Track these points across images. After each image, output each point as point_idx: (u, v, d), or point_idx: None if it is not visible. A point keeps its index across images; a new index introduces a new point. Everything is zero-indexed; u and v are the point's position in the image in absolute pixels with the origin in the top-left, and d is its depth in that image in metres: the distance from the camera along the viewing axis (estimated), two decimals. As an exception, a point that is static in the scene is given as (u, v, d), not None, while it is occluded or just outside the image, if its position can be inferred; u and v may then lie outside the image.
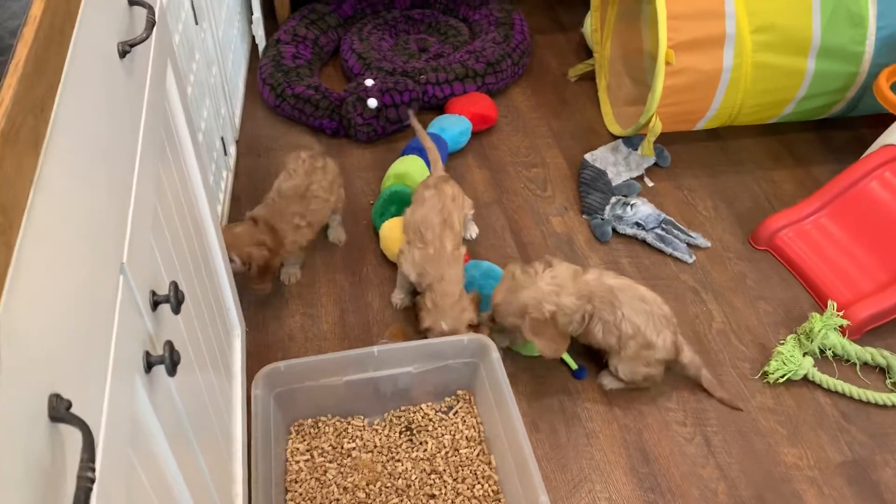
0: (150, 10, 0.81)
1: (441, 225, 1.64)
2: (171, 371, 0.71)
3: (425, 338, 1.58)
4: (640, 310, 1.49)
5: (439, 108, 2.29)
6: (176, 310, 0.77)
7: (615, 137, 2.22)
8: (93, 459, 0.45)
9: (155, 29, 0.87)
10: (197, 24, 1.72)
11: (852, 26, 1.93)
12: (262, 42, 2.39)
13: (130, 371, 0.67)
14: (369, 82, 2.15)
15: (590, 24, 2.42)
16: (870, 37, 1.94)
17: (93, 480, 0.45)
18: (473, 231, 1.91)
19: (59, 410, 0.47)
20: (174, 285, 0.77)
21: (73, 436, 0.49)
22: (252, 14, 2.34)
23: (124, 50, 0.76)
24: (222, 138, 1.96)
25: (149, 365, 0.71)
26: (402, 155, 2.07)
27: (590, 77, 2.45)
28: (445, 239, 1.63)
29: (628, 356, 1.50)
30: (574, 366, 1.62)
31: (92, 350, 0.58)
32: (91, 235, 0.62)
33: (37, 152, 0.50)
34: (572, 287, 1.50)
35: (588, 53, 2.53)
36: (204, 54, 1.79)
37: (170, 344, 0.72)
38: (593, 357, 1.63)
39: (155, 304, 0.76)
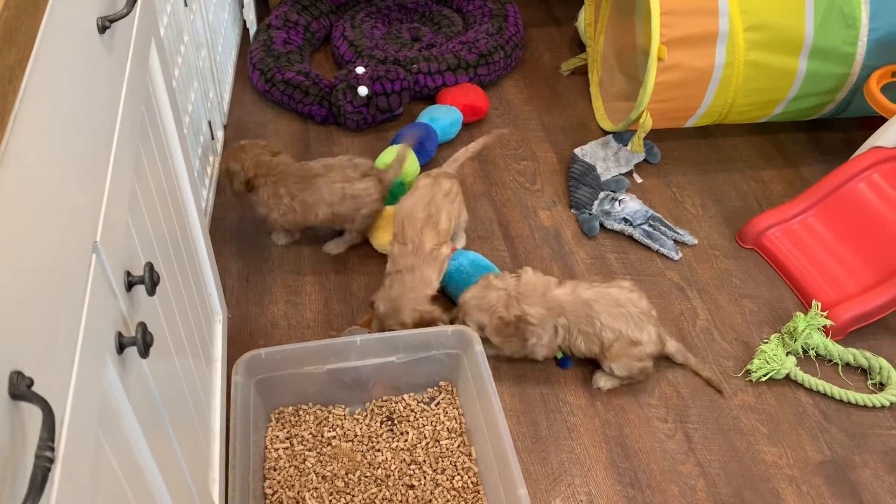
0: (132, -15, 0.80)
1: (424, 220, 1.61)
2: (144, 353, 0.70)
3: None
4: (617, 314, 1.49)
5: (431, 98, 2.28)
6: (150, 291, 0.75)
7: (606, 133, 2.21)
8: (52, 439, 0.44)
9: (138, 5, 0.85)
10: (186, 6, 1.70)
11: (845, 27, 1.93)
12: (252, 26, 2.37)
13: (101, 351, 0.66)
14: (360, 70, 2.13)
15: (584, 19, 2.41)
16: (862, 38, 1.94)
17: (51, 460, 0.44)
18: (461, 242, 1.85)
19: (20, 388, 0.46)
20: (149, 266, 0.76)
21: (35, 415, 0.48)
22: (244, -1, 2.32)
23: (104, 25, 0.75)
24: (209, 122, 1.94)
25: (121, 346, 0.70)
26: (392, 143, 2.06)
27: (582, 71, 2.44)
28: (426, 236, 1.60)
29: (617, 355, 1.50)
30: (559, 354, 1.61)
31: (59, 329, 0.57)
32: (61, 212, 0.61)
33: (3, 124, 0.49)
34: (538, 298, 1.50)
35: (581, 47, 2.52)
36: (193, 37, 1.77)
37: (143, 325, 0.71)
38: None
39: (129, 284, 0.75)
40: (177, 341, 1.02)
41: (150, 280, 0.75)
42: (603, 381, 1.57)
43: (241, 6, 2.36)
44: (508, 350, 1.56)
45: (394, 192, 1.88)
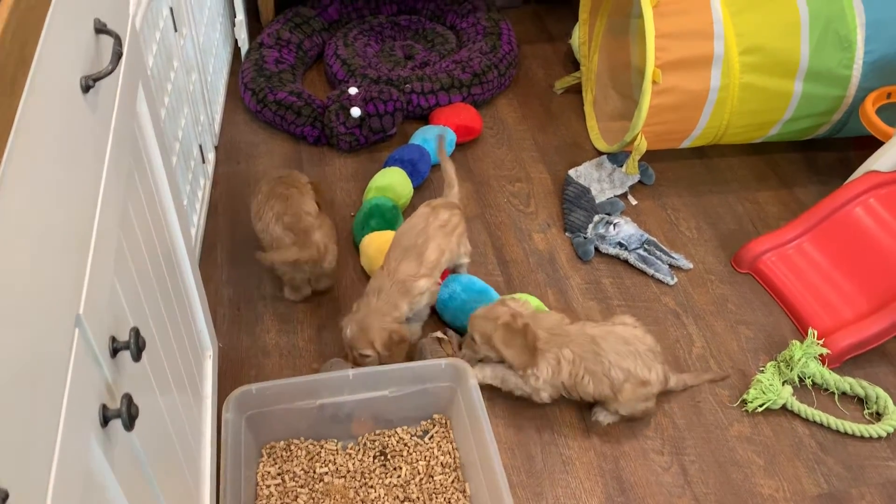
0: (117, 39, 0.78)
1: (408, 248, 1.58)
2: (129, 426, 0.68)
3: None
4: (626, 352, 1.47)
5: (424, 118, 2.26)
6: (136, 357, 0.73)
7: (600, 153, 2.20)
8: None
9: (124, 57, 0.83)
10: (176, 31, 1.68)
11: (840, 50, 1.92)
12: (244, 45, 2.35)
13: (84, 429, 0.64)
14: (353, 90, 2.11)
15: (577, 38, 2.39)
16: (857, 60, 1.93)
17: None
18: (463, 270, 1.79)
19: (-3, 502, 0.44)
20: (135, 332, 0.74)
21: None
22: (235, 17, 2.30)
23: (87, 85, 0.73)
24: (200, 146, 1.92)
25: (105, 419, 0.68)
26: (385, 166, 2.04)
27: (576, 90, 2.43)
28: (404, 264, 1.56)
29: (627, 399, 1.48)
30: None
31: (38, 418, 0.55)
32: (41, 290, 0.59)
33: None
34: (546, 325, 1.49)
35: (575, 64, 2.51)
36: (183, 62, 1.75)
37: (128, 397, 0.69)
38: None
39: (114, 350, 0.73)
40: (165, 390, 1.00)
41: (136, 346, 0.73)
42: (602, 416, 1.55)
43: (233, 25, 2.34)
44: (517, 365, 1.48)
45: (387, 217, 1.86)
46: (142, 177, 0.99)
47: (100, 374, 0.70)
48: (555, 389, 1.51)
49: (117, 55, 0.76)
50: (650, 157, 2.14)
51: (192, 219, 1.82)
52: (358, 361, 1.53)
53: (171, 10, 1.64)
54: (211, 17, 2.15)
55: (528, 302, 1.56)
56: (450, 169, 1.78)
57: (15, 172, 0.55)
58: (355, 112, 2.07)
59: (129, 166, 0.91)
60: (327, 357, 1.65)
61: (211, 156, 2.07)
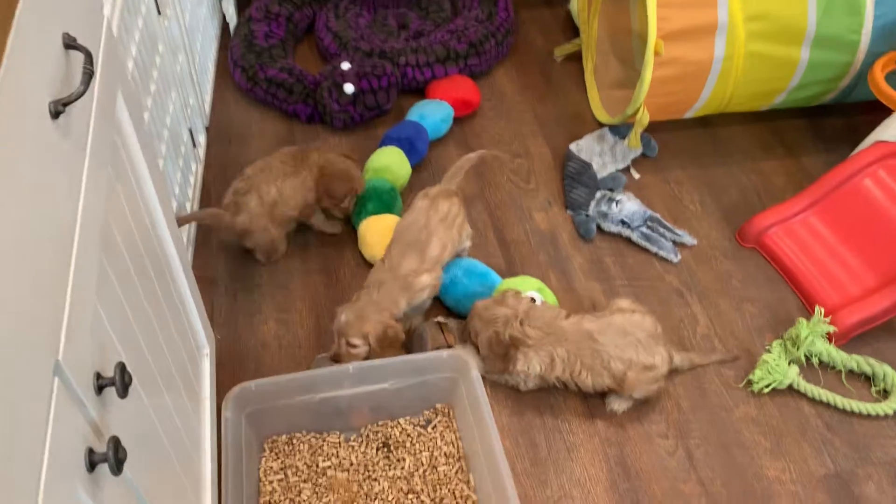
0: (88, 57, 0.73)
1: (411, 244, 1.56)
2: (117, 470, 0.66)
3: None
4: (625, 344, 1.45)
5: (420, 92, 2.20)
6: (123, 394, 0.71)
7: (601, 124, 2.14)
8: None
9: (97, 75, 0.79)
10: (160, 14, 1.62)
11: (849, 15, 1.85)
12: (232, 20, 2.28)
13: (69, 478, 0.62)
14: (345, 66, 2.05)
15: (577, 3, 2.32)
16: (867, 25, 1.87)
17: None
18: (464, 254, 1.78)
19: None
20: (120, 368, 0.71)
21: None
22: (222, -9, 2.22)
23: (57, 111, 0.68)
24: (190, 130, 1.87)
25: (92, 464, 0.66)
26: (381, 145, 1.99)
27: (576, 57, 2.36)
28: (406, 259, 1.54)
29: (634, 383, 1.47)
30: None
31: (17, 474, 0.53)
32: (12, 341, 0.56)
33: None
34: (542, 323, 1.47)
35: (575, 29, 2.44)
36: (169, 44, 1.69)
37: (114, 441, 0.66)
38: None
39: (100, 387, 0.70)
40: (160, 410, 0.98)
41: (122, 383, 0.70)
42: (617, 404, 1.53)
43: (220, 1, 2.26)
44: (489, 367, 1.52)
45: (384, 200, 1.82)
46: (125, 187, 0.95)
47: (84, 415, 0.68)
48: (545, 381, 1.51)
49: (88, 75, 0.72)
50: (652, 128, 2.08)
51: (185, 206, 1.78)
52: (343, 352, 1.50)
53: (154, -8, 1.57)
54: (197, -7, 2.08)
55: (527, 297, 1.53)
56: (464, 166, 1.74)
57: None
58: (348, 88, 2.02)
59: (109, 181, 0.87)
60: (328, 349, 1.63)
61: (202, 138, 2.03)
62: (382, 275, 1.53)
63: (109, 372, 0.73)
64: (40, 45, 0.69)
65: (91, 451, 0.66)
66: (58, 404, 0.61)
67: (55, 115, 0.68)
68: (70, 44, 0.74)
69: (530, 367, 1.47)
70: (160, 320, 1.06)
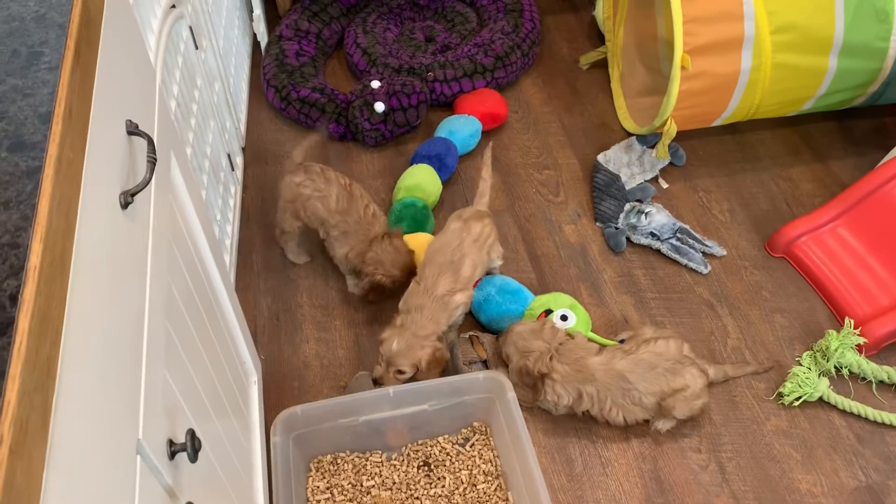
0: (151, 144, 0.79)
1: (445, 265, 1.61)
2: (193, 533, 0.72)
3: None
4: (656, 375, 1.49)
5: (448, 106, 2.24)
6: (193, 459, 0.77)
7: (628, 134, 2.17)
8: None
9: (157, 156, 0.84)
10: (197, 48, 1.67)
11: (878, 22, 1.85)
12: (263, 39, 2.33)
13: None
14: (376, 84, 2.09)
15: (602, 11, 2.33)
16: (895, 32, 1.86)
17: None
18: (496, 272, 1.82)
19: None
20: (191, 434, 0.77)
21: None
22: (252, 11, 2.27)
23: (127, 201, 0.74)
24: (228, 154, 1.93)
25: (170, 529, 0.72)
26: (412, 162, 2.03)
27: (602, 64, 2.38)
28: (441, 280, 1.59)
29: (671, 407, 1.51)
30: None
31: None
32: (102, 434, 0.61)
33: (44, 439, 0.49)
34: (572, 360, 1.51)
35: (600, 35, 2.45)
36: (206, 75, 1.75)
37: (190, 506, 0.72)
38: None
39: (173, 454, 0.76)
40: (221, 455, 1.04)
41: (192, 448, 0.76)
42: (661, 424, 1.58)
43: (251, 20, 2.31)
44: (519, 395, 1.57)
45: (417, 219, 1.87)
46: (180, 245, 1.01)
47: (161, 482, 0.73)
48: (572, 411, 1.57)
49: (152, 163, 0.77)
50: (680, 135, 2.11)
51: (225, 229, 1.84)
52: (389, 378, 1.56)
53: (191, 28, 1.62)
54: (229, 16, 2.13)
55: (562, 331, 1.57)
56: (487, 178, 1.79)
57: (75, 322, 0.57)
58: (379, 107, 2.06)
59: (169, 246, 0.92)
60: (366, 366, 1.69)
61: (239, 160, 2.08)
62: (421, 298, 1.58)
63: (180, 437, 0.79)
64: (110, 138, 0.75)
65: (169, 516, 0.72)
66: (141, 480, 0.67)
67: (125, 206, 0.74)
68: (133, 131, 0.80)
69: (559, 399, 1.52)
70: (215, 364, 1.12)
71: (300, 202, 1.75)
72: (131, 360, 0.71)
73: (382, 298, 1.73)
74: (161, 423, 0.76)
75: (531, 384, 1.53)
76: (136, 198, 0.79)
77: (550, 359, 1.51)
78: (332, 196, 1.72)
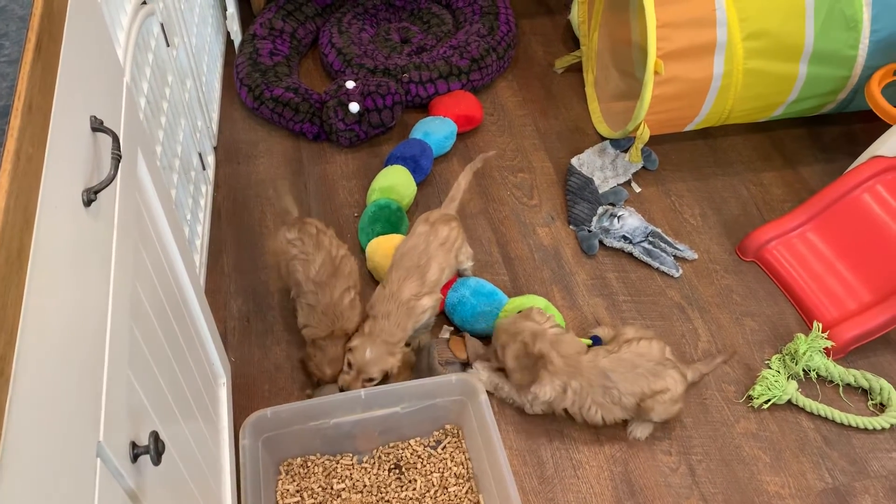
0: (116, 141, 0.77)
1: (411, 269, 1.60)
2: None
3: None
4: (637, 375, 1.49)
5: (423, 108, 2.23)
6: (157, 461, 0.75)
7: (602, 138, 2.18)
8: None
9: (122, 144, 0.82)
10: (168, 45, 1.65)
11: (846, 30, 1.88)
12: (237, 38, 2.30)
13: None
14: (350, 84, 2.08)
15: (577, 16, 2.34)
16: (863, 40, 1.90)
17: None
18: (468, 273, 1.82)
19: None
20: (154, 436, 0.75)
21: None
22: (226, 9, 2.24)
23: (90, 199, 0.72)
24: (200, 154, 1.91)
25: (132, 533, 0.70)
26: (386, 164, 2.02)
27: (577, 68, 2.39)
28: (406, 285, 1.58)
29: (650, 408, 1.51)
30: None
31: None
32: (60, 434, 0.60)
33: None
34: (565, 352, 1.50)
35: (575, 39, 2.46)
36: (177, 73, 1.72)
37: (152, 510, 0.71)
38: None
39: (135, 456, 0.75)
40: (186, 456, 1.02)
41: (156, 451, 0.75)
42: (639, 431, 1.58)
43: (225, 18, 2.29)
44: (513, 380, 1.56)
45: (392, 221, 1.86)
46: (147, 244, 1.00)
47: (122, 485, 0.72)
48: (549, 408, 1.56)
49: (116, 160, 0.75)
50: (653, 140, 2.12)
51: (196, 229, 1.82)
52: (356, 385, 1.54)
53: (162, 25, 1.60)
54: (202, 14, 2.11)
55: (552, 317, 1.57)
56: (462, 185, 1.78)
57: (31, 321, 0.55)
58: (354, 108, 2.05)
59: (135, 245, 0.91)
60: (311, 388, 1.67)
61: (210, 159, 2.06)
62: (387, 304, 1.57)
63: (143, 438, 0.77)
64: (73, 134, 0.73)
65: (130, 520, 0.71)
66: (101, 483, 0.66)
67: (88, 203, 0.72)
68: (97, 127, 0.78)
69: (542, 392, 1.51)
70: (182, 365, 1.10)
71: (283, 259, 1.65)
72: (92, 360, 0.69)
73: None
74: (124, 425, 0.74)
75: (530, 364, 1.50)
76: (101, 196, 0.78)
77: (550, 343, 1.49)
78: (315, 263, 1.60)
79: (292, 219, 1.71)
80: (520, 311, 1.61)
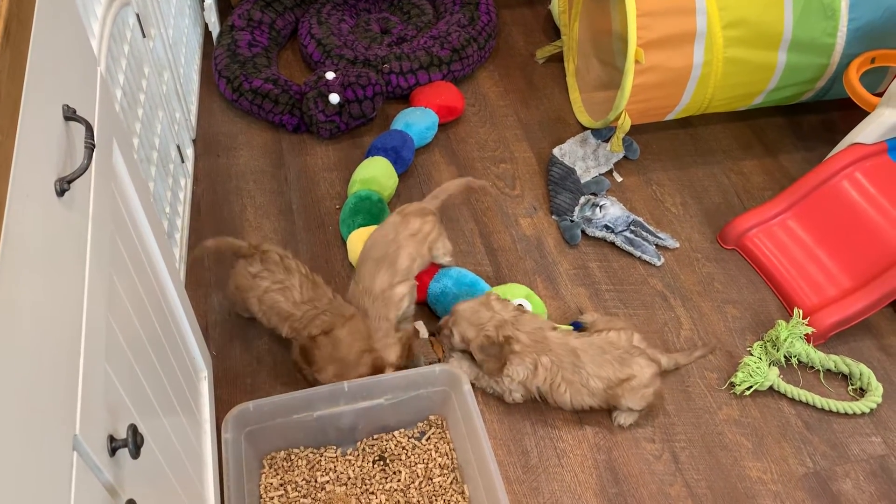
0: (89, 129, 0.76)
1: (379, 260, 1.58)
2: (135, 532, 0.70)
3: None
4: (605, 361, 1.50)
5: (404, 99, 2.22)
6: (135, 455, 0.74)
7: (584, 128, 2.18)
8: None
9: (96, 134, 0.81)
10: (144, 36, 1.62)
11: (824, 18, 1.89)
12: (215, 29, 2.28)
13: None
14: (330, 75, 2.06)
15: (557, 5, 2.34)
16: (841, 28, 1.91)
17: None
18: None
19: None
20: (132, 430, 0.74)
21: None
22: (204, 0, 2.22)
23: (63, 189, 0.71)
24: (178, 146, 1.88)
25: (110, 527, 0.69)
26: (367, 155, 2.01)
27: (558, 58, 2.38)
28: (378, 277, 1.57)
29: (620, 396, 1.52)
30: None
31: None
32: (34, 428, 0.59)
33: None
34: (530, 330, 1.51)
35: (556, 29, 2.46)
36: (154, 64, 1.70)
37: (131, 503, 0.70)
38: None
39: (114, 450, 0.74)
40: (166, 450, 1.01)
41: (135, 444, 0.74)
42: (623, 419, 1.58)
43: (202, 9, 2.26)
44: (485, 369, 1.56)
45: (373, 212, 1.85)
46: (123, 236, 0.98)
47: (100, 479, 0.71)
48: (528, 391, 1.56)
49: (90, 149, 0.74)
50: (634, 129, 2.12)
51: (175, 223, 1.80)
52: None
53: (138, 16, 1.58)
54: (179, 5, 2.08)
55: (509, 301, 1.57)
56: (451, 189, 1.78)
57: (3, 310, 0.54)
58: (334, 99, 2.03)
59: (111, 236, 0.89)
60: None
61: (189, 151, 2.04)
62: (362, 301, 1.56)
63: (122, 432, 0.76)
64: (44, 122, 0.72)
65: (109, 514, 0.70)
66: (77, 477, 0.65)
67: (61, 193, 0.71)
68: (70, 116, 0.77)
69: (514, 373, 1.51)
70: (161, 359, 1.09)
71: (253, 294, 1.56)
72: (67, 353, 0.68)
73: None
74: (101, 419, 0.73)
75: (497, 353, 1.51)
76: (74, 186, 0.76)
77: (511, 326, 1.50)
78: (295, 287, 1.54)
79: (246, 249, 1.59)
80: (476, 298, 1.60)
